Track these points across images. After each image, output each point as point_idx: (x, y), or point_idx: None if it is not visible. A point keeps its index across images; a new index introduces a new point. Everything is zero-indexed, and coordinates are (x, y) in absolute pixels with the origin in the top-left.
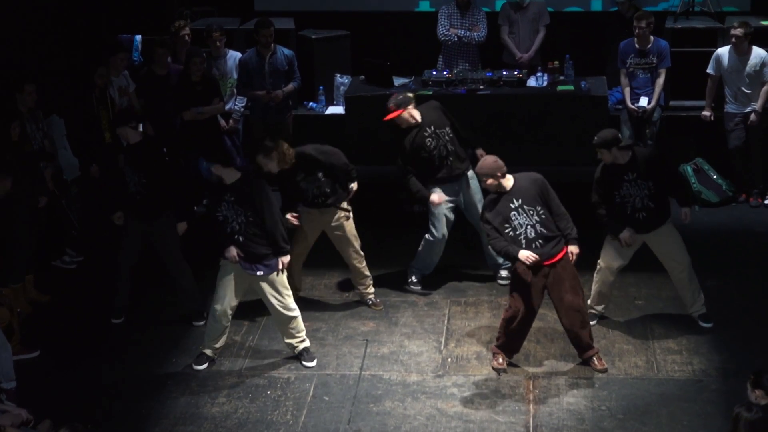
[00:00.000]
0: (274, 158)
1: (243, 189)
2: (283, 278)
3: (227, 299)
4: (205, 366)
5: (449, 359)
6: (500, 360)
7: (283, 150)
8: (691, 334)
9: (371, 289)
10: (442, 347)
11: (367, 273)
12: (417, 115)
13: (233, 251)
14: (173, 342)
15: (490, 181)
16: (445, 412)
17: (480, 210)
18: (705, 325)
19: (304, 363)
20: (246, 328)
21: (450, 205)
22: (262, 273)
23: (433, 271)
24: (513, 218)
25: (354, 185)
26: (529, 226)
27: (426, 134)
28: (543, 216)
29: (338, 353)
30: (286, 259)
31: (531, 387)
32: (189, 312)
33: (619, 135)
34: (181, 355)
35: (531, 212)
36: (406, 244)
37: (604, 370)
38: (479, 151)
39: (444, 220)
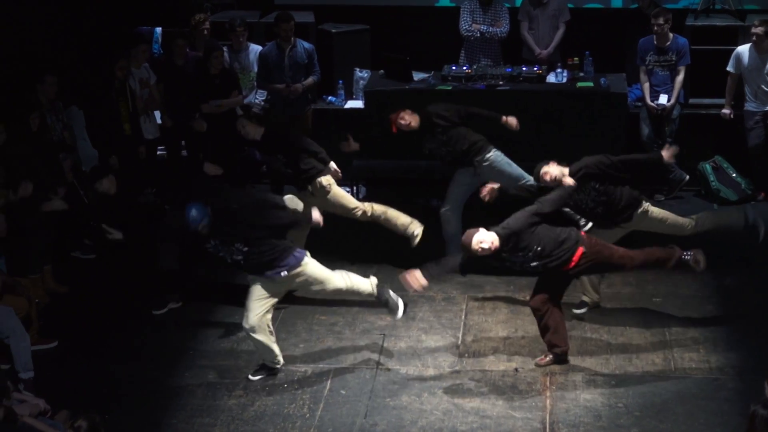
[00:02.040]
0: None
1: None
2: (306, 265)
3: (255, 313)
4: (260, 377)
5: (466, 354)
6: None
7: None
8: (708, 332)
9: (404, 220)
10: (459, 342)
11: (381, 212)
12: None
13: None
14: (191, 333)
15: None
16: (461, 407)
17: (510, 177)
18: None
19: (392, 316)
20: None
21: (460, 184)
22: (285, 273)
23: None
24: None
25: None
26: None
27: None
28: None
29: (355, 347)
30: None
31: (548, 383)
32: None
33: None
34: (199, 346)
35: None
36: (424, 238)
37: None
38: (505, 119)
39: (450, 196)
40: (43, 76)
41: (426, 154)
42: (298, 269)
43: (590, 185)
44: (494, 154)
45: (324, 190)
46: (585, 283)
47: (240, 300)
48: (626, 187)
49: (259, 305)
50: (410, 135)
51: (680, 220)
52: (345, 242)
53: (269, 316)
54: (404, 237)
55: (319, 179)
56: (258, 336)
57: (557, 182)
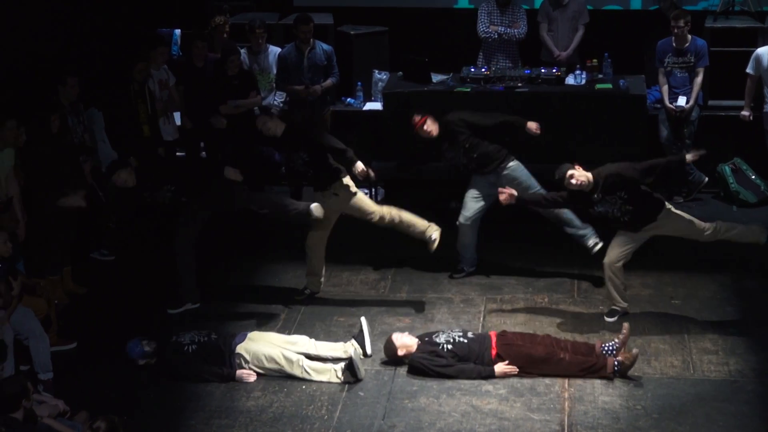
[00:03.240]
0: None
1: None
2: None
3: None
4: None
5: None
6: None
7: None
8: (727, 334)
9: (421, 224)
10: None
11: (397, 216)
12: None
13: None
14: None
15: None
16: (480, 410)
17: (526, 188)
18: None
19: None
20: (282, 322)
21: (478, 194)
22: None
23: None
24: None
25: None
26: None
27: (445, 146)
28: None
29: (374, 349)
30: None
31: (566, 385)
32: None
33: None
34: None
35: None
36: (441, 240)
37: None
38: (528, 125)
39: (467, 206)
40: (65, 78)
41: (445, 162)
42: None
43: (617, 194)
44: (515, 164)
45: (348, 191)
46: (612, 291)
47: (257, 300)
48: (650, 192)
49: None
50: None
51: (700, 224)
52: (363, 246)
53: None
54: (422, 241)
55: (343, 179)
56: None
57: (583, 186)
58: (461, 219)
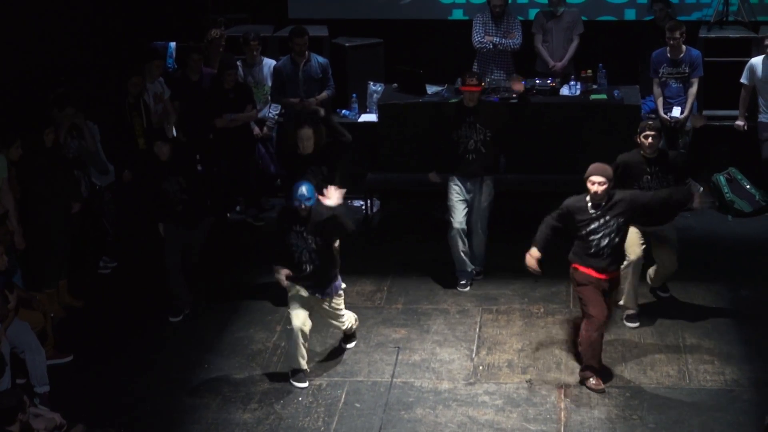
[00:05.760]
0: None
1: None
2: (340, 301)
3: (303, 318)
4: (305, 384)
5: (481, 367)
6: (593, 380)
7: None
8: (723, 343)
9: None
10: (473, 355)
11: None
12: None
13: (283, 274)
14: (206, 347)
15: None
16: (476, 420)
17: (482, 217)
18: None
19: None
20: (278, 334)
21: (462, 197)
22: (326, 296)
23: (478, 267)
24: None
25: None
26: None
27: (468, 122)
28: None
29: (370, 360)
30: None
31: (562, 395)
32: (174, 302)
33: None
34: (214, 359)
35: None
36: (437, 251)
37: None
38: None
39: (459, 209)
40: (63, 106)
41: (446, 139)
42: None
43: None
44: (491, 179)
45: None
46: (629, 292)
47: (254, 312)
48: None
49: (307, 312)
50: (424, 147)
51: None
52: (359, 257)
53: (309, 324)
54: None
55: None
56: (301, 339)
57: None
58: (455, 224)
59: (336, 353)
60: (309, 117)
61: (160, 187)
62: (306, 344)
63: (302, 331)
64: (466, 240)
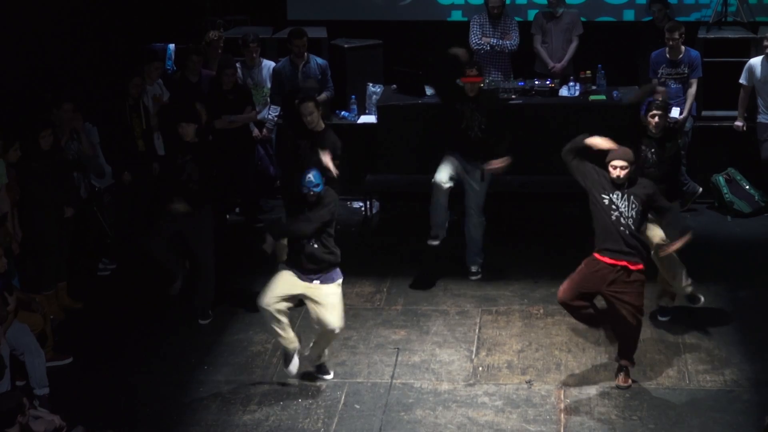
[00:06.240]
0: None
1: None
2: (338, 291)
3: (271, 297)
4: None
5: (480, 368)
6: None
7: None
8: (723, 344)
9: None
10: (473, 356)
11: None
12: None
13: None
14: (206, 348)
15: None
16: (476, 421)
17: (476, 198)
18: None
19: (322, 376)
20: None
21: (453, 166)
22: (318, 282)
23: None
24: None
25: None
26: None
27: (470, 109)
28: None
29: (369, 361)
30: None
31: (562, 396)
32: (200, 306)
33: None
34: (214, 361)
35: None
36: (437, 252)
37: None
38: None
39: (445, 169)
40: (60, 103)
41: (453, 115)
42: (324, 286)
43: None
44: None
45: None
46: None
47: (253, 314)
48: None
49: (282, 296)
50: (423, 148)
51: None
52: (358, 258)
53: (282, 307)
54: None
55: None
56: (271, 318)
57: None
58: (436, 178)
59: (335, 354)
60: (307, 92)
61: (176, 163)
62: (285, 322)
63: (269, 312)
64: (446, 200)
